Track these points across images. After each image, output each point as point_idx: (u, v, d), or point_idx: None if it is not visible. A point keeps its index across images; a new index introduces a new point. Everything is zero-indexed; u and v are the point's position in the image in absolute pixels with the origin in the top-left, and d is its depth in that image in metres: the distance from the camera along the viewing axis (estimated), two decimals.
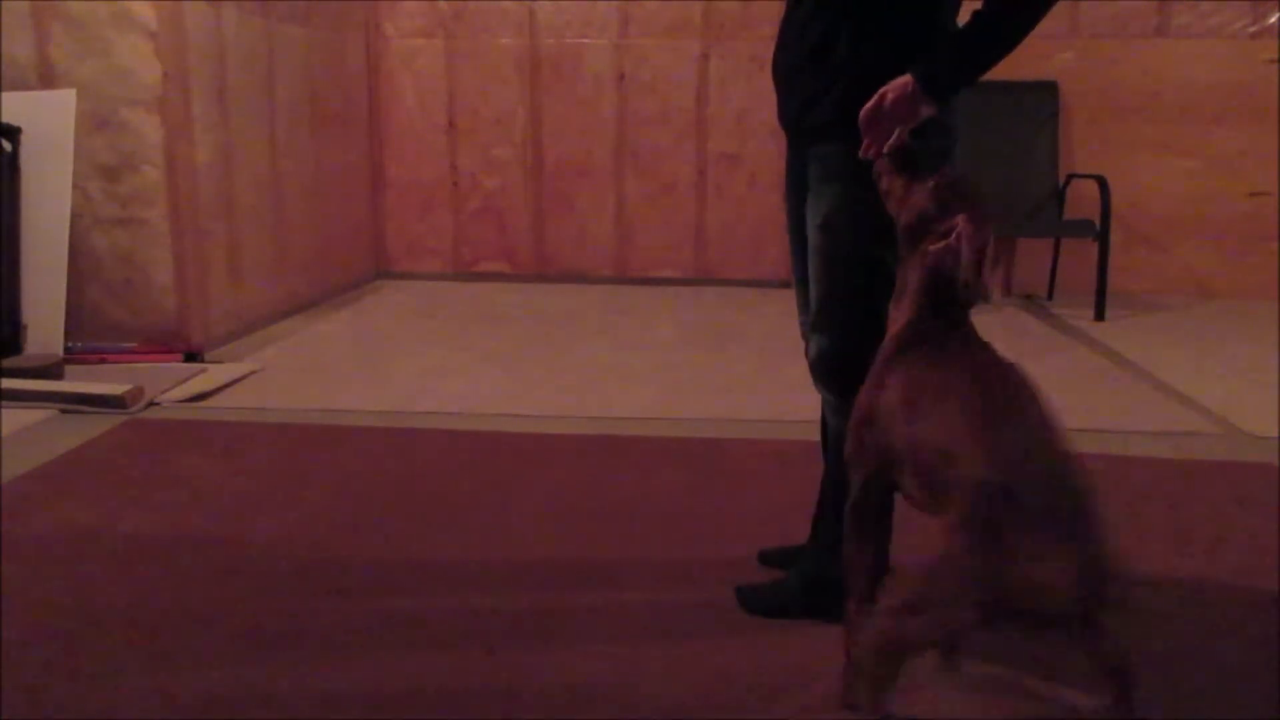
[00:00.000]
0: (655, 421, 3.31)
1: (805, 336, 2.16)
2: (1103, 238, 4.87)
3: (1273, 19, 5.20)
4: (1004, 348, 1.65)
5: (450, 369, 3.96)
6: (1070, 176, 5.28)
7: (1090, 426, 3.20)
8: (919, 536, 1.49)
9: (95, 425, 3.19)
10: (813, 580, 2.07)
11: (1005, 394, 1.54)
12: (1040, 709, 1.73)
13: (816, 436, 2.13)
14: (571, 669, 1.86)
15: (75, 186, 3.83)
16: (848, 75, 1.89)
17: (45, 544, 2.36)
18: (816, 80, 1.93)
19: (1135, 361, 4.12)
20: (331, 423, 3.27)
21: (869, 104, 1.79)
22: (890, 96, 1.77)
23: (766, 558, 2.30)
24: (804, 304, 2.13)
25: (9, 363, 3.56)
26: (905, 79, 1.77)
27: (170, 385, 3.57)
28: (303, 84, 4.88)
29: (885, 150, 1.78)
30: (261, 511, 2.57)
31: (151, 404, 3.42)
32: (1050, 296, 5.42)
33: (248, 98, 4.38)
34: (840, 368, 1.98)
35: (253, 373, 3.84)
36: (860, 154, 1.82)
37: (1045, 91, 5.27)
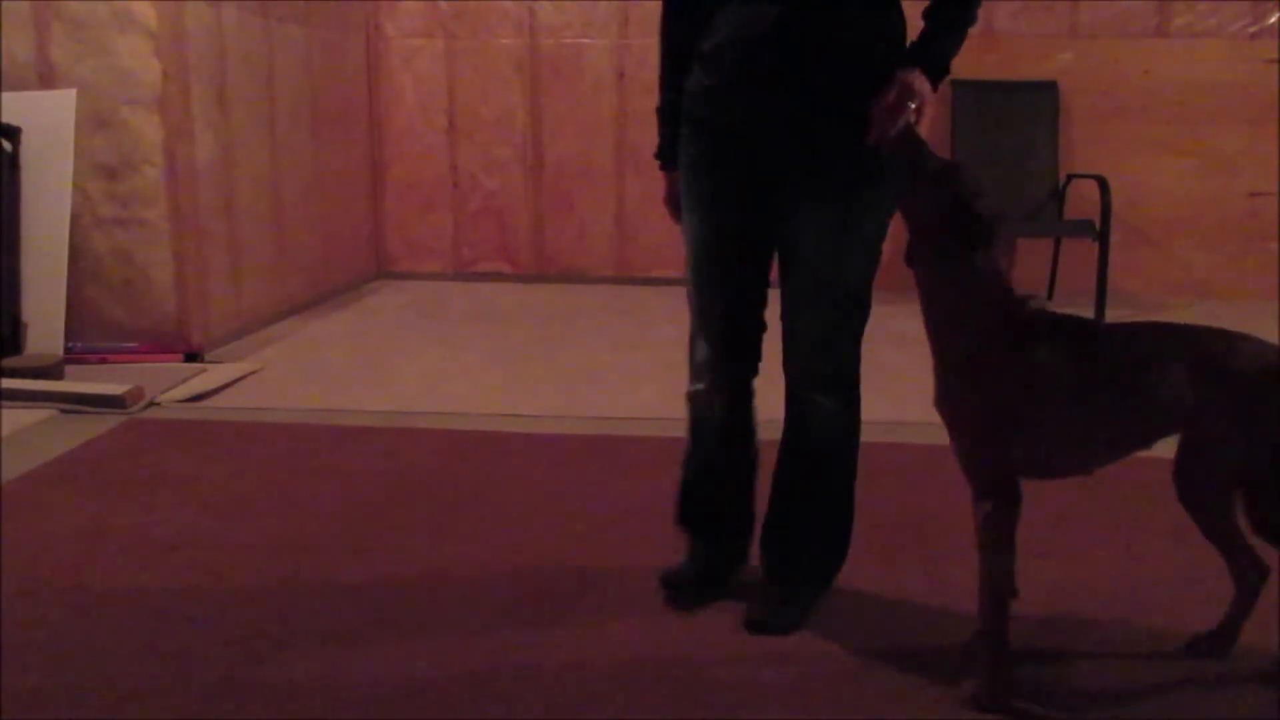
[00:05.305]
0: (655, 421, 3.31)
1: (712, 366, 2.05)
2: (1103, 238, 4.86)
3: (1273, 19, 5.20)
4: None
5: (450, 369, 3.96)
6: (1070, 176, 5.27)
7: None
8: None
9: (95, 425, 3.19)
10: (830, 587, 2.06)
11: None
12: None
13: None
14: (571, 669, 1.86)
15: (75, 186, 3.83)
16: (858, 52, 1.72)
17: (45, 544, 2.36)
18: (815, 62, 1.73)
19: None
20: (331, 423, 3.27)
21: (890, 98, 1.65)
22: (927, 103, 1.66)
23: (672, 579, 2.11)
24: (730, 319, 2.01)
25: (9, 363, 3.56)
26: (921, 82, 1.66)
27: (170, 385, 3.57)
28: (303, 84, 4.88)
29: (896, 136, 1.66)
30: (261, 511, 2.57)
31: (151, 404, 3.42)
32: (1050, 296, 5.41)
33: (248, 98, 4.38)
34: (851, 382, 1.98)
35: (253, 373, 3.84)
36: (871, 141, 1.67)
37: (1045, 91, 5.26)
